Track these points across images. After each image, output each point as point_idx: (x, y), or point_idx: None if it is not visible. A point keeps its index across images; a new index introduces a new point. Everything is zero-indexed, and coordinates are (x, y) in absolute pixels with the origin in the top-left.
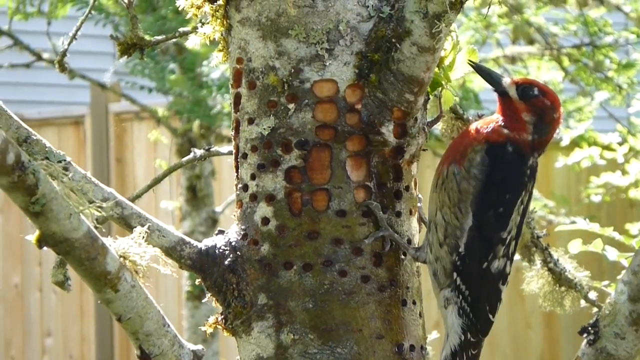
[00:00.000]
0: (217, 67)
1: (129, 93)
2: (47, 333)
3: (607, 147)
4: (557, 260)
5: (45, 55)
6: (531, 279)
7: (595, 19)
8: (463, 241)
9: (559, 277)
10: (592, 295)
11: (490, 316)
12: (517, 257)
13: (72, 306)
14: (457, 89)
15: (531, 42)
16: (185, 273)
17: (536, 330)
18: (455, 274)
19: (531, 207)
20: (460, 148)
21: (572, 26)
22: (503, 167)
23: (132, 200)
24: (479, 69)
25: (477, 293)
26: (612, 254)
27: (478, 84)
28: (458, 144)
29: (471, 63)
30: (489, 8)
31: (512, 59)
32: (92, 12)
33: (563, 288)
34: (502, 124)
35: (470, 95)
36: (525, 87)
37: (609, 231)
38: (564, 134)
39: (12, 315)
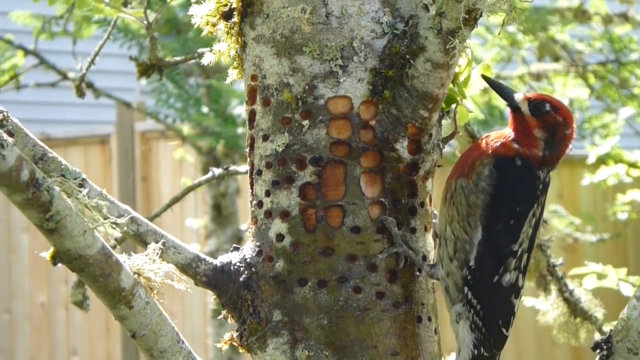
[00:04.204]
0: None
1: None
2: (73, 351)
3: (633, 165)
4: (573, 290)
5: (71, 75)
6: (546, 310)
7: (620, 36)
8: (473, 255)
9: (574, 307)
10: (608, 328)
11: (504, 330)
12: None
13: (97, 324)
14: (482, 106)
15: (557, 59)
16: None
17: (562, 348)
18: (466, 289)
19: (557, 225)
20: (468, 161)
21: (598, 43)
22: (512, 180)
23: (152, 219)
24: (492, 84)
25: (489, 307)
26: (627, 288)
27: (503, 101)
28: (467, 157)
29: (484, 77)
30: (502, 26)
31: (538, 76)
32: (118, 33)
33: (578, 320)
34: (513, 138)
35: (496, 112)
36: (537, 103)
37: (622, 273)
38: (590, 151)
39: (38, 334)
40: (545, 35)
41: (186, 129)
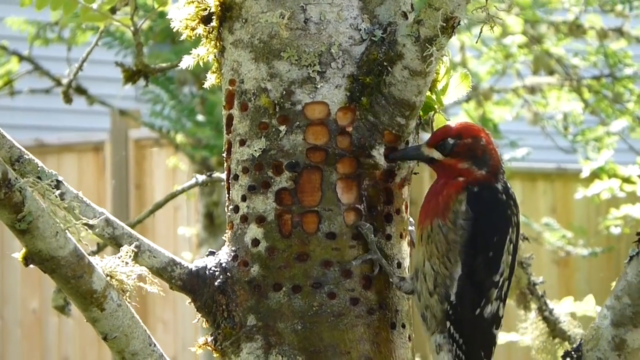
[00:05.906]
0: None
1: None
2: (65, 358)
3: (627, 180)
4: (553, 309)
5: (65, 81)
6: (525, 330)
7: (615, 51)
8: (454, 290)
9: (553, 327)
10: None
11: None
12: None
13: (89, 331)
14: (476, 120)
15: (551, 72)
16: None
17: None
18: (448, 323)
19: (549, 238)
20: (439, 203)
21: (593, 58)
22: (488, 210)
23: (134, 225)
24: (395, 156)
25: (471, 340)
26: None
27: (498, 114)
28: (434, 200)
29: (388, 157)
30: (479, 35)
31: (532, 90)
32: (114, 41)
33: (557, 340)
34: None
35: (490, 124)
36: (441, 144)
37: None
38: (584, 165)
39: (30, 340)
40: (540, 49)
41: (180, 137)
